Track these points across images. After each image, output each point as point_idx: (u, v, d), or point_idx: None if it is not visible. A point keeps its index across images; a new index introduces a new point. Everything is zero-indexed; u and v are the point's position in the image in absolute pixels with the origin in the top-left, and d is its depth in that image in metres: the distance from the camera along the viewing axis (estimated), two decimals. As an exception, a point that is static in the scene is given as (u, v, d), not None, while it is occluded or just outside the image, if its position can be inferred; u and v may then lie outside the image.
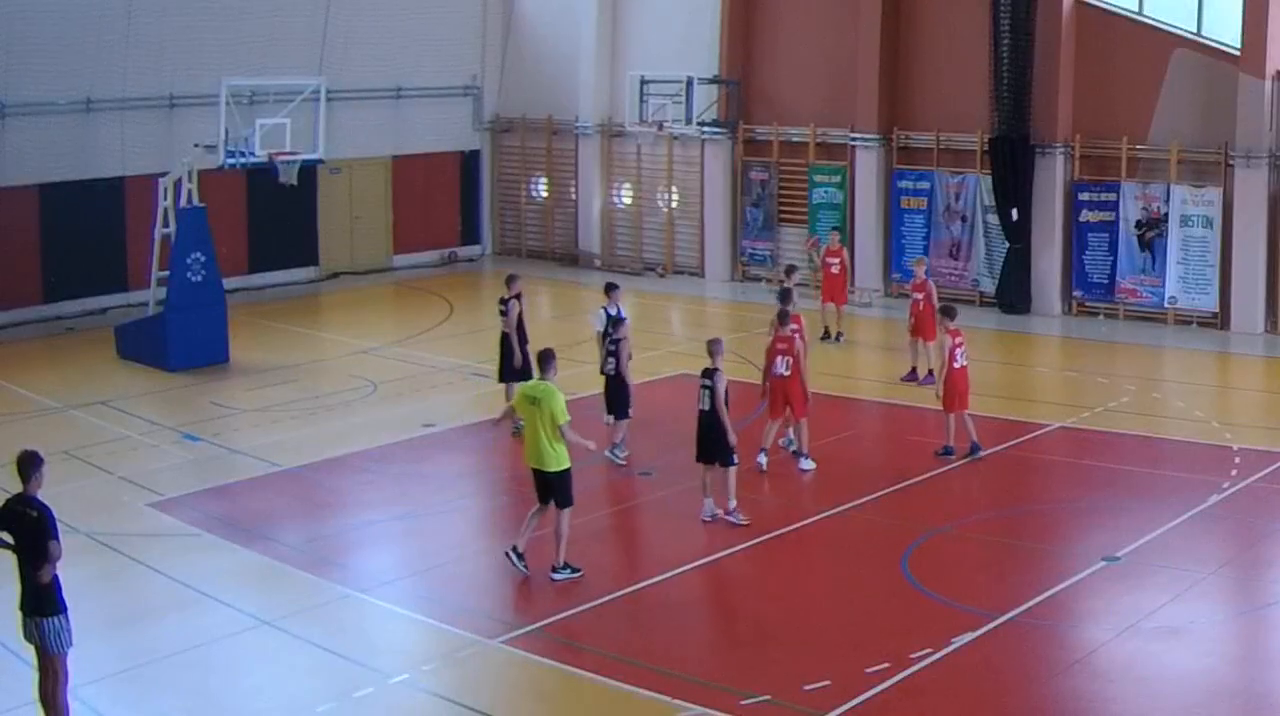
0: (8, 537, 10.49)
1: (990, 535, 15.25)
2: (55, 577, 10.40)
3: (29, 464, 10.58)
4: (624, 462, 17.84)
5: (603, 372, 18.06)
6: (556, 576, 13.91)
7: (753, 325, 24.34)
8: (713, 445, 15.41)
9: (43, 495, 10.60)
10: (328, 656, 12.27)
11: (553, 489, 13.94)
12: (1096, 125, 26.41)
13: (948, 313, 18.41)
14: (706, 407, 15.36)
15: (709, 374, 15.45)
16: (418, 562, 14.83)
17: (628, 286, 28.10)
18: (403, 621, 13.27)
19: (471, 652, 12.38)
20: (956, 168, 28.05)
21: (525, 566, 13.97)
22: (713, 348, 15.70)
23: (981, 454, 17.80)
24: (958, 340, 18.00)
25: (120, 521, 15.59)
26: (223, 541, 15.18)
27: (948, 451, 17.90)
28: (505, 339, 19.21)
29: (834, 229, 27.49)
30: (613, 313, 18.54)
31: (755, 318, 24.96)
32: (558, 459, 13.84)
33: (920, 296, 22.02)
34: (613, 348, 17.92)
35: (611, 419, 17.96)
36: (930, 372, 20.96)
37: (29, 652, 11.05)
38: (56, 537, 10.35)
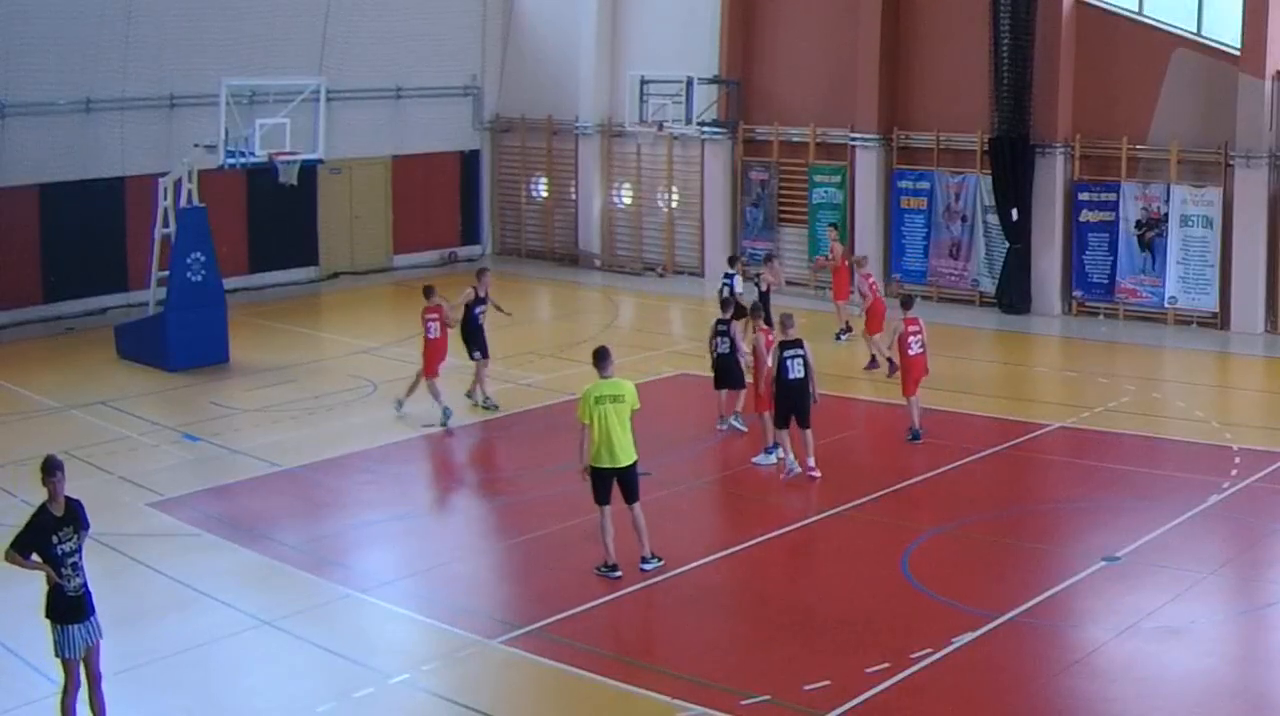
0: None
1: (990, 535, 15.24)
2: (59, 586, 10.31)
3: (42, 470, 10.53)
4: (745, 429, 18.99)
5: (715, 353, 19.19)
6: (647, 566, 14.01)
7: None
8: (805, 409, 16.86)
9: (41, 498, 10.59)
10: (328, 656, 12.27)
11: (629, 482, 13.98)
12: (1096, 125, 26.41)
13: (906, 303, 19.16)
14: (800, 376, 16.79)
15: (798, 344, 16.88)
16: (418, 562, 14.82)
17: (628, 286, 28.16)
18: (403, 621, 13.27)
19: (471, 652, 12.38)
20: (956, 168, 28.04)
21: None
22: (786, 321, 17.30)
23: (920, 441, 18.38)
24: (912, 328, 18.64)
25: (120, 521, 15.58)
26: (223, 541, 15.19)
27: (915, 436, 18.57)
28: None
29: (830, 225, 27.41)
30: (736, 280, 22.73)
31: (755, 317, 24.95)
32: (633, 451, 13.97)
33: (833, 258, 25.41)
34: (724, 328, 19.02)
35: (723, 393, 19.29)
36: (874, 359, 22.70)
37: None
38: (13, 543, 10.32)
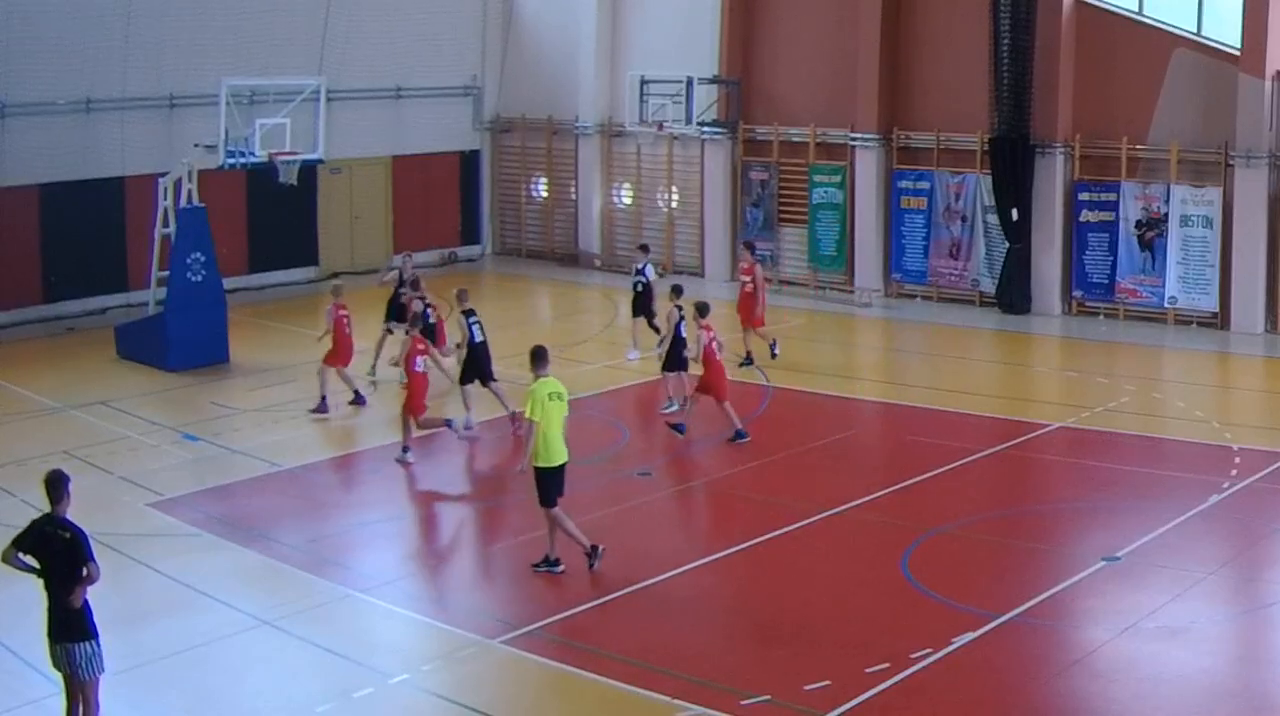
0: (33, 561, 10.09)
1: (990, 535, 15.25)
2: (86, 601, 10.07)
3: (58, 484, 10.15)
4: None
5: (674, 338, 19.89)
6: (556, 569, 14.05)
7: (753, 325, 24.29)
8: (489, 369, 19.30)
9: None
10: (328, 656, 12.27)
11: (563, 480, 14.01)
12: (1096, 125, 26.41)
13: (701, 310, 19.19)
14: (483, 339, 19.15)
15: (474, 313, 19.24)
16: (418, 562, 14.82)
17: (628, 286, 28.06)
18: (403, 621, 13.28)
19: (471, 652, 12.38)
20: (956, 168, 28.04)
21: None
22: (462, 294, 19.56)
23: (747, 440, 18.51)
24: (711, 334, 18.71)
25: (120, 521, 15.58)
26: (223, 541, 15.19)
27: (678, 428, 18.68)
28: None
29: (744, 244, 25.04)
30: (646, 271, 23.21)
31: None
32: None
33: (748, 279, 22.99)
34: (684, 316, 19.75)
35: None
36: (750, 356, 22.71)
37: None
38: (93, 559, 10.01)
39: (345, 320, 20.66)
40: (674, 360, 19.76)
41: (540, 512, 14.06)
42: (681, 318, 19.79)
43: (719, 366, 18.72)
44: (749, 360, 22.68)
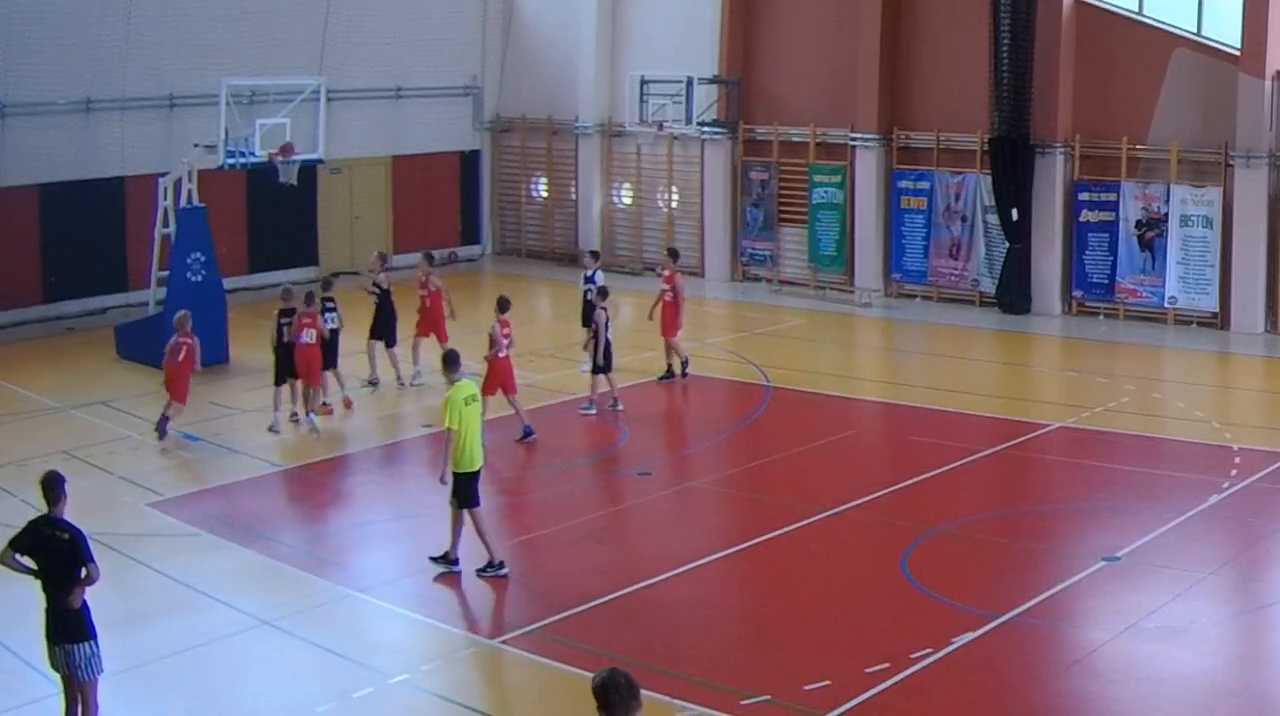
0: (30, 563, 10.04)
1: (990, 535, 15.24)
2: (85, 602, 10.04)
3: (55, 485, 10.08)
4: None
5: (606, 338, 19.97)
6: (500, 571, 13.98)
7: (752, 324, 24.35)
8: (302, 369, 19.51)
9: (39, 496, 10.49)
10: (328, 656, 12.27)
11: (478, 485, 13.96)
12: (1096, 125, 26.41)
13: (502, 305, 19.16)
14: (293, 341, 19.40)
15: (292, 313, 19.32)
16: (418, 562, 14.80)
17: (628, 286, 28.17)
18: (403, 621, 13.27)
19: (471, 652, 12.38)
20: (956, 168, 28.03)
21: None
22: (286, 294, 19.88)
23: (533, 437, 18.59)
24: (505, 331, 18.77)
25: (120, 521, 15.58)
26: (223, 541, 15.18)
27: (529, 433, 18.67)
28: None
29: (668, 251, 24.22)
30: (596, 278, 22.00)
31: (755, 317, 24.96)
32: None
33: (668, 288, 21.80)
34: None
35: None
36: (671, 369, 21.85)
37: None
38: (92, 560, 9.98)
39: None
40: (607, 361, 19.90)
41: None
42: (608, 320, 19.92)
43: (506, 362, 18.76)
44: (669, 374, 21.84)
